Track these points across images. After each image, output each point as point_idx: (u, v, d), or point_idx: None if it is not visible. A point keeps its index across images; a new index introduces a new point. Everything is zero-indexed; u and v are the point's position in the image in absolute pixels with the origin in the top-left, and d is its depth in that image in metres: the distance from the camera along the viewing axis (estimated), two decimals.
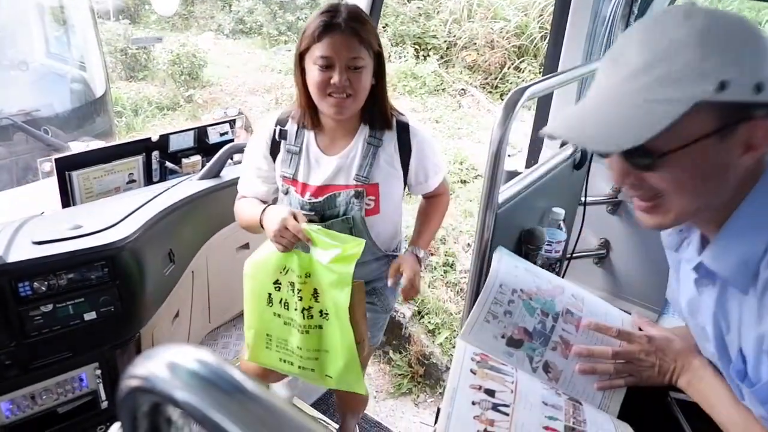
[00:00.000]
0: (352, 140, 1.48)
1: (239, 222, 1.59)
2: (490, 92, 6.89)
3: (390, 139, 1.50)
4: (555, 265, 1.58)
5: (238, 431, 0.34)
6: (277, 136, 1.50)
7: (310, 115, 1.46)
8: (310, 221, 1.43)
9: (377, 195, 1.50)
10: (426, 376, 3.07)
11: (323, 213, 1.48)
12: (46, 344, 1.38)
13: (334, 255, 1.33)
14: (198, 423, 0.36)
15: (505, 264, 1.24)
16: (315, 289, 1.39)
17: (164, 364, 0.39)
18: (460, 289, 3.51)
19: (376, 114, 1.48)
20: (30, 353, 1.37)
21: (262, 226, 1.43)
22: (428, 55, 7.18)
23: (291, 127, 1.49)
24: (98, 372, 1.50)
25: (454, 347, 2.84)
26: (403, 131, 1.52)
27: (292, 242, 1.35)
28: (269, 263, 1.42)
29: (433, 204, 1.69)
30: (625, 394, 1.08)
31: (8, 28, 2.97)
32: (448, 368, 2.93)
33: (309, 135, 1.49)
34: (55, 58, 3.14)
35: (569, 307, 1.19)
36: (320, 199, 1.47)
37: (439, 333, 3.20)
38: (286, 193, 1.51)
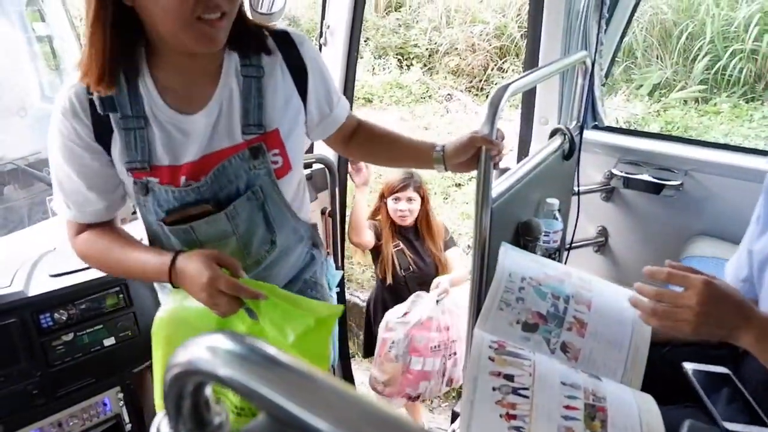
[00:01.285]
0: (220, 79, 1.03)
1: (111, 272, 1.17)
2: (476, 95, 6.98)
3: (273, 62, 1.07)
4: (554, 255, 1.63)
5: (277, 397, 0.39)
6: (100, 109, 0.97)
7: (130, 63, 0.98)
8: (201, 214, 1.02)
9: (281, 145, 1.08)
10: None
11: (217, 197, 1.04)
12: (69, 372, 1.43)
13: (300, 330, 0.96)
14: (240, 394, 0.41)
15: (511, 256, 1.29)
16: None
17: (204, 348, 0.44)
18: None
19: (243, 30, 1.03)
20: (55, 381, 1.41)
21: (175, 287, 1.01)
22: (411, 64, 7.27)
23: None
24: (120, 395, 1.54)
25: None
26: (286, 44, 1.09)
27: (235, 305, 0.96)
28: (196, 323, 1.02)
29: (373, 128, 1.30)
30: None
31: (4, 76, 3.05)
32: None
33: (149, 93, 0.99)
34: (49, 101, 3.21)
35: (578, 290, 1.23)
36: (203, 179, 1.02)
37: None
38: (146, 192, 1.02)
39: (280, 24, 1.60)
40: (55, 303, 1.40)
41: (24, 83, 3.19)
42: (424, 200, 2.45)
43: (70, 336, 1.42)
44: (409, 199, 2.40)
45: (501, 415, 0.97)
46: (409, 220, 2.43)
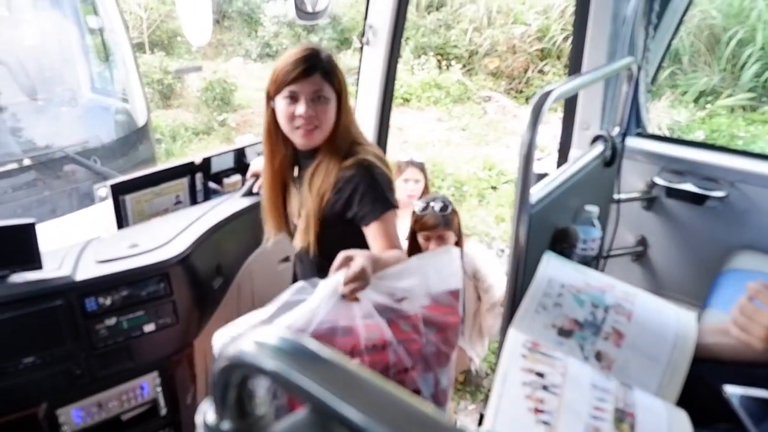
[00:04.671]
0: None
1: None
2: (515, 97, 6.91)
3: None
4: (592, 263, 1.61)
5: (320, 391, 0.40)
6: None
7: None
8: None
9: None
10: (466, 383, 3.09)
11: None
12: (110, 355, 1.48)
13: None
14: (284, 388, 0.43)
15: (553, 264, 1.29)
16: None
17: (252, 342, 0.46)
18: None
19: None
20: (97, 363, 1.46)
21: None
22: (450, 65, 7.25)
23: None
24: (158, 381, 1.59)
25: (493, 353, 2.86)
26: None
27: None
28: None
29: None
30: (683, 386, 1.08)
31: (58, 67, 3.18)
32: (488, 374, 2.95)
33: None
34: (99, 92, 3.33)
35: (620, 301, 1.22)
36: None
37: None
38: None
39: (321, 23, 1.95)
40: (100, 288, 1.45)
41: (75, 75, 3.31)
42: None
43: (113, 320, 1.47)
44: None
45: (529, 408, 0.97)
46: None
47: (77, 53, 3.31)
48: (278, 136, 1.45)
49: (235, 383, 0.48)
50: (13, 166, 2.74)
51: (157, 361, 1.58)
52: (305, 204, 1.44)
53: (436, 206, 2.19)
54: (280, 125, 1.41)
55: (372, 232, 1.38)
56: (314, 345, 0.45)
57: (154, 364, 1.58)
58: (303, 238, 1.45)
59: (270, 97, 1.41)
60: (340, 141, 1.43)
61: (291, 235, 1.55)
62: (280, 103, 1.37)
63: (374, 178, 1.39)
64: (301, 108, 1.34)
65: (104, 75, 3.41)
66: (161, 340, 1.56)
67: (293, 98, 1.36)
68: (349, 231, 1.41)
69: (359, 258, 1.16)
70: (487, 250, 2.54)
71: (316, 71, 1.35)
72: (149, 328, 1.53)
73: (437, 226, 2.18)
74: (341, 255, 1.18)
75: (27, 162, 2.79)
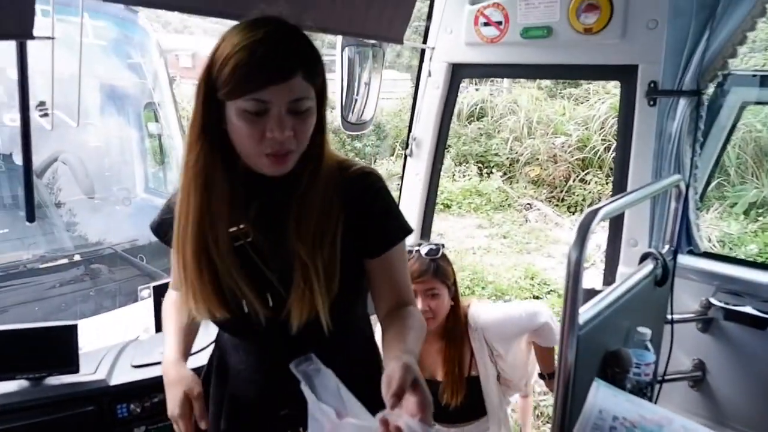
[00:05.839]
0: None
1: None
2: (557, 205, 6.91)
3: None
4: (646, 390, 1.50)
5: None
6: None
7: None
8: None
9: None
10: None
11: None
12: None
13: None
14: None
15: (603, 393, 1.20)
16: None
17: None
18: (540, 413, 3.35)
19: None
20: None
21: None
22: (491, 172, 7.38)
23: None
24: None
25: None
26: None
27: None
28: None
29: None
30: None
31: (116, 168, 3.39)
32: None
33: None
34: (152, 192, 3.51)
35: None
36: None
37: None
38: None
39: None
40: (132, 394, 1.43)
41: (132, 175, 3.51)
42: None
43: (142, 429, 1.44)
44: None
45: None
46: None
47: (136, 155, 3.54)
48: (219, 159, 0.98)
49: None
50: (64, 261, 2.85)
51: None
52: (294, 249, 1.00)
53: (423, 249, 1.75)
54: (235, 144, 0.97)
55: (386, 266, 1.07)
56: None
57: None
58: (303, 306, 0.99)
59: (212, 98, 0.95)
60: (327, 153, 1.05)
61: (235, 314, 1.03)
62: (239, 115, 0.92)
63: (389, 190, 1.10)
64: (274, 127, 0.92)
65: (158, 176, 3.60)
66: None
67: (260, 112, 0.91)
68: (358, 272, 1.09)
69: (420, 386, 0.82)
70: (500, 303, 2.12)
71: (297, 71, 0.91)
72: None
73: (424, 274, 1.71)
74: (393, 384, 0.80)
75: (77, 258, 2.90)
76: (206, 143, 0.97)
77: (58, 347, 1.38)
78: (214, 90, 0.93)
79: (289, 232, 1.00)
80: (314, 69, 0.95)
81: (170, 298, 1.26)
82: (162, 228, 1.13)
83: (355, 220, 1.04)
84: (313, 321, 1.00)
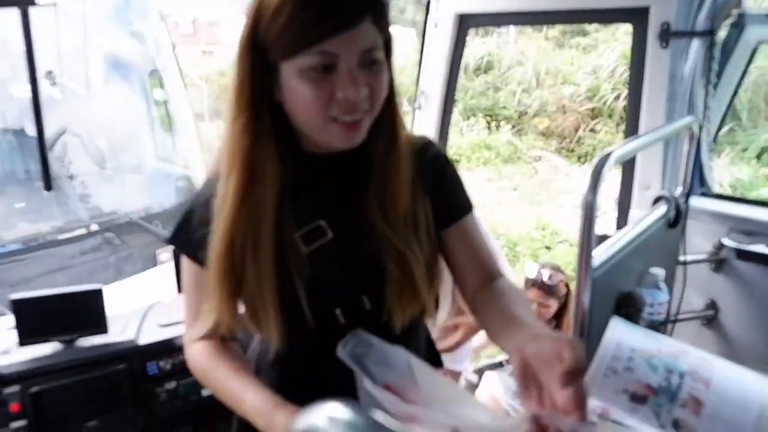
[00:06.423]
0: None
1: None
2: (567, 156, 6.86)
3: None
4: (659, 329, 1.53)
5: None
6: None
7: None
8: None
9: None
10: None
11: None
12: (170, 419, 1.50)
13: None
14: None
15: (622, 328, 1.24)
16: None
17: (324, 416, 0.45)
18: None
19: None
20: (157, 427, 1.48)
21: None
22: (500, 125, 7.31)
23: None
24: None
25: None
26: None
27: None
28: None
29: None
30: None
31: (126, 138, 3.40)
32: None
33: None
34: (162, 160, 3.52)
35: (696, 368, 1.15)
36: None
37: None
38: None
39: None
40: (161, 352, 1.48)
41: (141, 144, 3.52)
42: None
43: (173, 384, 1.49)
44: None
45: None
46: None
47: (144, 124, 3.54)
48: (273, 136, 0.82)
49: None
50: (81, 231, 2.90)
51: (214, 426, 1.58)
52: (385, 236, 0.86)
53: (545, 273, 2.16)
54: (295, 115, 0.81)
55: (466, 235, 0.96)
56: (391, 422, 0.44)
57: (211, 429, 1.57)
58: (405, 301, 0.88)
59: (260, 61, 0.78)
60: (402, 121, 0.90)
61: (327, 329, 0.87)
62: (301, 75, 0.76)
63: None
64: (346, 85, 0.76)
65: (167, 143, 3.61)
66: (219, 405, 1.55)
67: (328, 66, 0.76)
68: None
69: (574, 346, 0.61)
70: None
71: (366, 14, 0.76)
72: (207, 392, 1.53)
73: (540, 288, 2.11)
74: (567, 358, 0.59)
75: (94, 227, 2.94)
76: (260, 122, 0.81)
77: (86, 310, 1.42)
78: (263, 50, 0.77)
79: (375, 219, 0.86)
80: (383, 12, 0.79)
81: (197, 350, 0.94)
82: (191, 242, 0.93)
83: (429, 191, 0.92)
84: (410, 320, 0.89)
